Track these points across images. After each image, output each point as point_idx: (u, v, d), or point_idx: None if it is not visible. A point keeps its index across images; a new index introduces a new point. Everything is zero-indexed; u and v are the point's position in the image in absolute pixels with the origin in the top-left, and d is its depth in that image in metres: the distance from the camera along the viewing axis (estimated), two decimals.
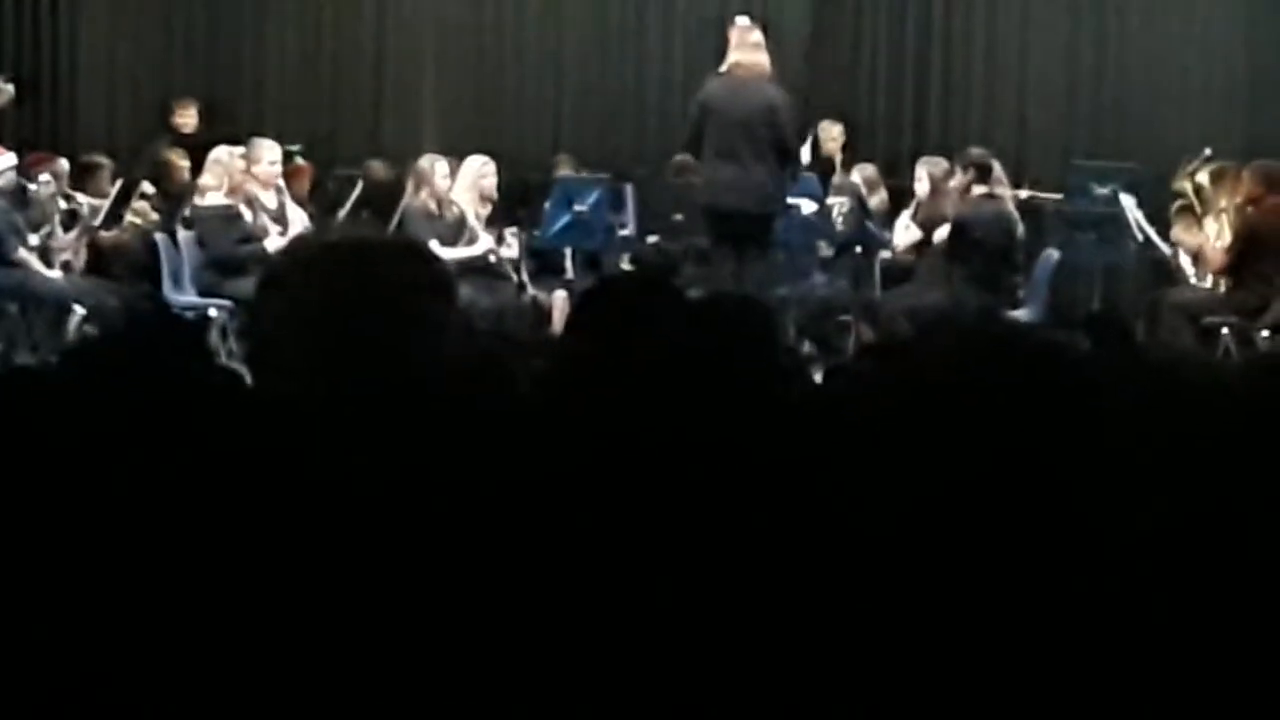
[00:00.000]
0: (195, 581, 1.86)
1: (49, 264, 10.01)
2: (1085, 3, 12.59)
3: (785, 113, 9.30)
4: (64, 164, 10.75)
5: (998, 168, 10.45)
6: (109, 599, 1.87)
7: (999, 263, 10.18)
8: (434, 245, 7.77)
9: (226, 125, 12.16)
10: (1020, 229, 10.40)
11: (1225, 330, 9.58)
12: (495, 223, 10.57)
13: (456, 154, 10.78)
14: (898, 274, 10.82)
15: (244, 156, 10.31)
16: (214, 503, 1.92)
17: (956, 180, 10.39)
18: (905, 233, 10.64)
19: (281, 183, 10.53)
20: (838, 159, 11.70)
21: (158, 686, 1.82)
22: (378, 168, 11.70)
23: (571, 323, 2.83)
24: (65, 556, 1.91)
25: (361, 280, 2.08)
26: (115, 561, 1.89)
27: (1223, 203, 10.09)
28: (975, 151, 10.60)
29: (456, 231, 10.28)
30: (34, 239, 9.99)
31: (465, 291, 8.55)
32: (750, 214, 9.19)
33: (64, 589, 1.89)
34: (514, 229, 10.66)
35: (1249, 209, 9.81)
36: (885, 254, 10.89)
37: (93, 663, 1.84)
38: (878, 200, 11.25)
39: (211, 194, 10.14)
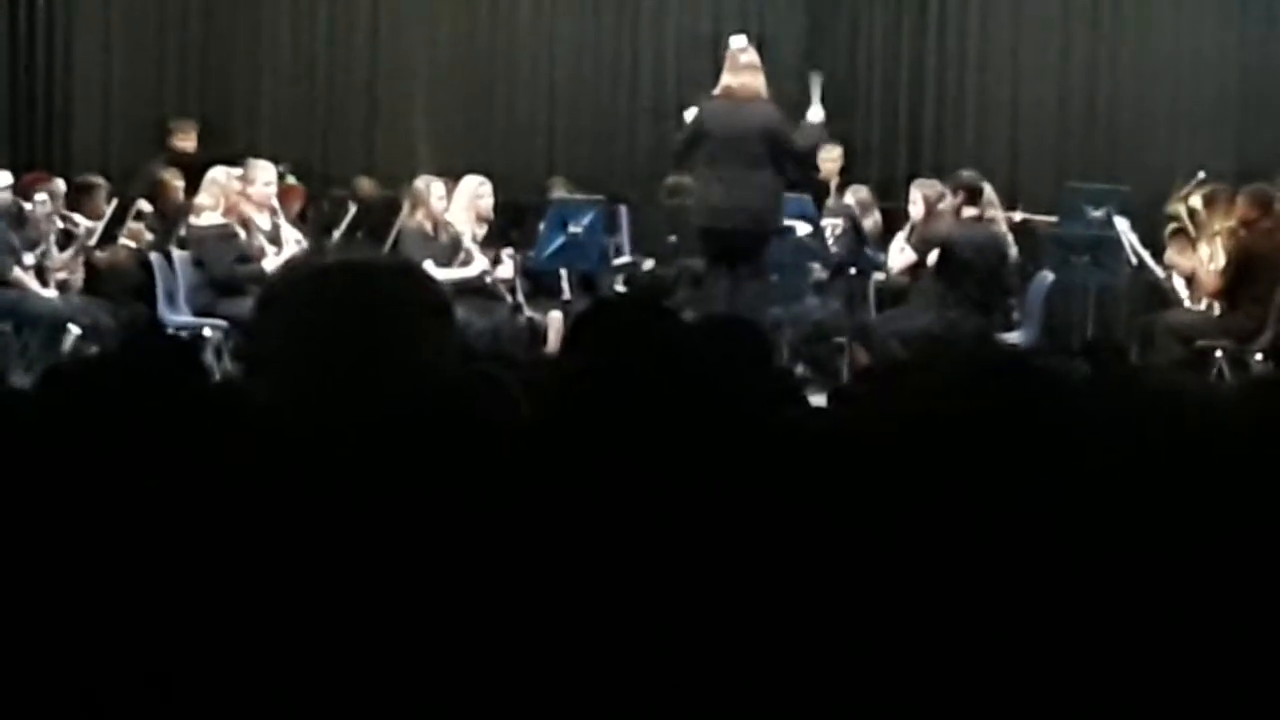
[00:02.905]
0: (185, 600, 1.87)
1: (44, 283, 10.01)
2: (1078, 26, 12.63)
3: (783, 130, 9.34)
4: (60, 184, 10.75)
5: (989, 190, 10.46)
6: (98, 620, 1.87)
7: (990, 285, 10.18)
8: (429, 266, 7.77)
9: (222, 145, 12.17)
10: (1013, 251, 10.41)
11: (1219, 353, 9.59)
12: (491, 244, 10.57)
13: (450, 175, 10.78)
14: (892, 296, 10.83)
15: (240, 178, 10.31)
16: (209, 523, 1.92)
17: (947, 203, 10.40)
18: (899, 255, 10.64)
19: (276, 203, 10.53)
20: (833, 181, 11.71)
21: (162, 696, 1.83)
22: (366, 184, 11.70)
23: (567, 344, 2.83)
24: (55, 575, 1.91)
25: (359, 301, 2.08)
26: (102, 585, 1.89)
27: (1216, 226, 10.11)
28: (965, 174, 10.61)
29: (452, 252, 10.28)
30: (29, 258, 9.99)
31: (460, 312, 8.54)
32: (745, 232, 9.21)
33: (52, 610, 1.89)
34: (509, 250, 10.66)
35: (1242, 232, 9.83)
36: (879, 276, 10.90)
37: (97, 663, 1.85)
38: (872, 222, 11.25)
39: (207, 214, 10.13)
